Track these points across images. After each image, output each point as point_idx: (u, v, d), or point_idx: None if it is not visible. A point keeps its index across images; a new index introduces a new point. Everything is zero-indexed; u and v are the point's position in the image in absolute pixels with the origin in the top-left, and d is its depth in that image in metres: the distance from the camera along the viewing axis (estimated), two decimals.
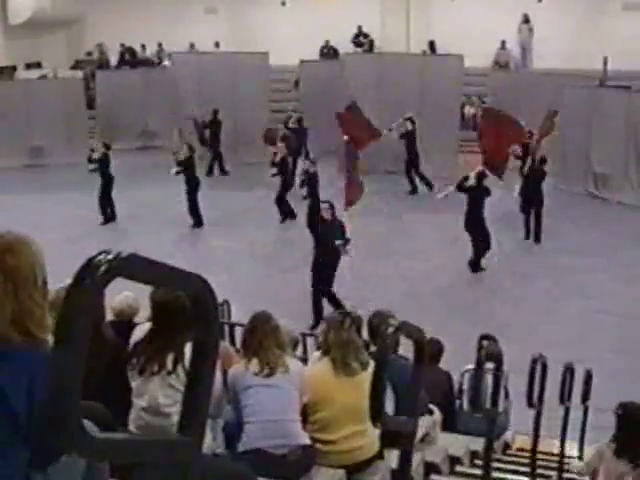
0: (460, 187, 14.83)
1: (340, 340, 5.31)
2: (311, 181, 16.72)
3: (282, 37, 26.32)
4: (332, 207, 13.09)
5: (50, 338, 2.27)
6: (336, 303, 12.60)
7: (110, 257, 1.63)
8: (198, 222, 18.01)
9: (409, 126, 20.29)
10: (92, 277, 1.61)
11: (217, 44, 27.91)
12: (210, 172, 22.48)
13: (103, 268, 1.61)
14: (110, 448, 1.77)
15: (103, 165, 18.16)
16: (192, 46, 27.97)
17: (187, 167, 17.81)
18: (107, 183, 18.19)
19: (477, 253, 15.05)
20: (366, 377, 4.77)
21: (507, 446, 8.45)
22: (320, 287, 12.78)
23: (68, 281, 1.65)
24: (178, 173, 17.80)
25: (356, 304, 11.00)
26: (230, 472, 4.46)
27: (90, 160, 18.44)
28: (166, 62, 28.12)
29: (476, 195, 14.65)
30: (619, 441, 5.86)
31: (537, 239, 16.85)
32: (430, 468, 6.09)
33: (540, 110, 19.54)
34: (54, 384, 1.62)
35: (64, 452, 1.92)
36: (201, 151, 21.73)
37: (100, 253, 1.64)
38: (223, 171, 22.92)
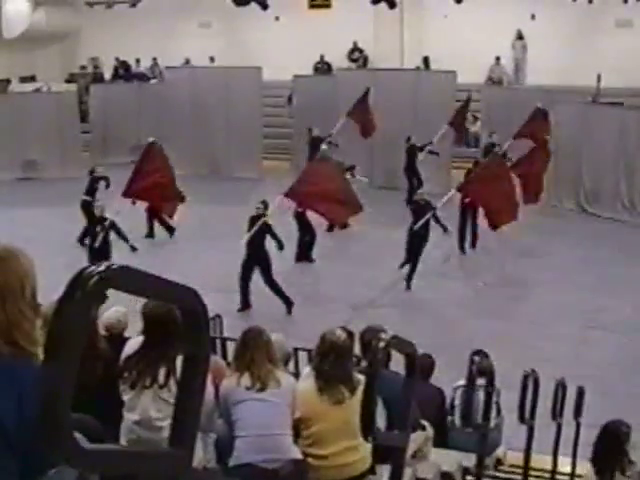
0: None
1: (323, 372, 5.27)
2: None
3: (276, 52, 26.32)
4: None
5: (40, 351, 2.26)
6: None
7: (101, 268, 1.63)
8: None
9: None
10: (84, 288, 1.61)
11: (212, 59, 27.95)
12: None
13: (95, 279, 1.61)
14: (101, 459, 1.76)
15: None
16: (187, 61, 27.99)
17: None
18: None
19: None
20: (355, 402, 4.74)
21: (499, 462, 8.43)
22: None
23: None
24: None
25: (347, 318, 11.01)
26: None
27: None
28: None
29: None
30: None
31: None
32: None
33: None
34: (45, 396, 1.61)
35: (55, 464, 1.91)
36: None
37: (92, 264, 1.64)
38: None
